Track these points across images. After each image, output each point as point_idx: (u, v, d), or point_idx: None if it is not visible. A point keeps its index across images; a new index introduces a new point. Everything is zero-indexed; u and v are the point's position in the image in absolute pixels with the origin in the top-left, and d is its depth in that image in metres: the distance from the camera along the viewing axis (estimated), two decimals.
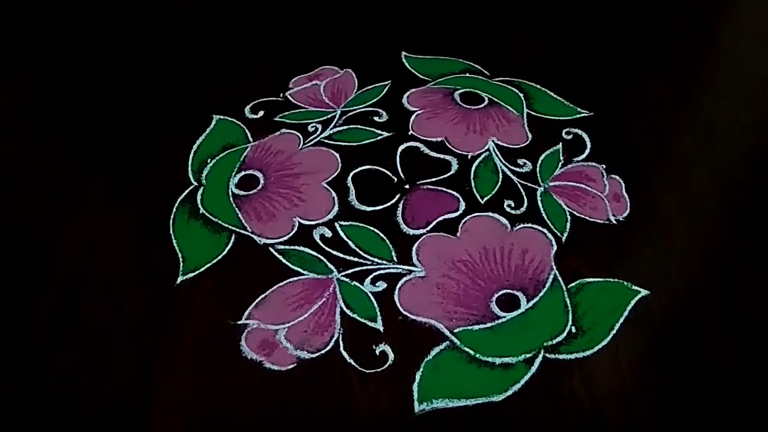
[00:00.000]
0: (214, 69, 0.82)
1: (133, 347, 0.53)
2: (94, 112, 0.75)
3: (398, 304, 0.56)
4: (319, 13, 0.85)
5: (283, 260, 0.60)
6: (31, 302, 0.56)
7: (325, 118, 0.74)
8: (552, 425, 0.50)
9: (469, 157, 0.70)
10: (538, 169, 0.69)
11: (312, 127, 0.73)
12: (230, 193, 0.66)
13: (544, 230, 0.63)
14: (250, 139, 0.71)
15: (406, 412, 0.50)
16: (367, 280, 0.58)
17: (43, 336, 0.54)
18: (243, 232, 0.62)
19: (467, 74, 0.80)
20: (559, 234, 0.62)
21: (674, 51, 0.87)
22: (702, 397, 0.51)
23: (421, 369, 0.52)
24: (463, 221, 0.63)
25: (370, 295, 0.57)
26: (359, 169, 0.68)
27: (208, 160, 0.69)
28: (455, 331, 0.55)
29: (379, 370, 0.52)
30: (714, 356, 0.54)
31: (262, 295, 0.57)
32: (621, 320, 0.56)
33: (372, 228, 0.62)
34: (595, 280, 0.59)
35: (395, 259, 0.60)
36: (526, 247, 0.61)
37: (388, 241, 0.61)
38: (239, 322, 0.55)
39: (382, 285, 0.58)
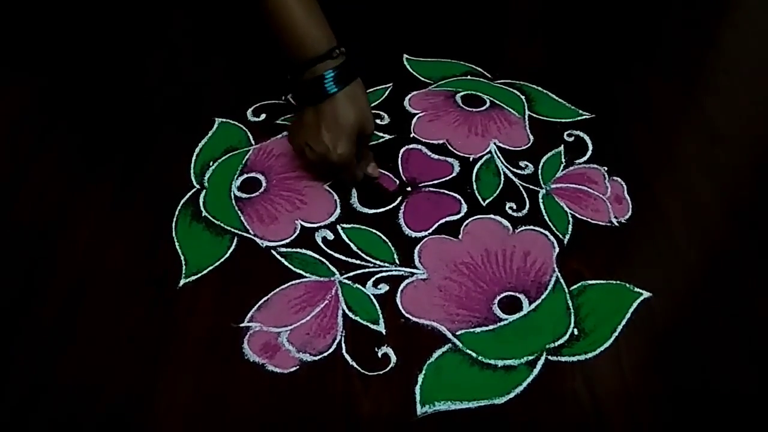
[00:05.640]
0: (215, 72, 0.82)
1: (135, 350, 0.53)
2: (95, 116, 0.75)
3: (400, 307, 0.56)
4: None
5: (285, 263, 0.60)
6: (32, 307, 0.56)
7: None
8: (554, 427, 0.50)
9: (471, 159, 0.70)
10: (539, 171, 0.69)
11: None
12: (232, 196, 0.66)
13: (546, 232, 0.63)
14: (252, 142, 0.72)
15: (408, 414, 0.50)
16: (369, 283, 0.58)
17: (44, 340, 0.54)
18: (245, 234, 0.62)
19: (469, 77, 0.81)
20: (561, 236, 0.62)
21: (675, 52, 0.87)
22: (704, 398, 0.51)
23: (423, 371, 0.52)
24: (464, 224, 0.63)
25: (372, 297, 0.57)
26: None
27: (210, 163, 0.69)
28: (457, 333, 0.55)
29: (381, 372, 0.52)
30: (716, 358, 0.54)
31: (264, 298, 0.57)
32: (623, 322, 0.56)
33: (374, 230, 0.63)
34: (597, 282, 0.59)
35: (397, 261, 0.60)
36: (528, 250, 0.61)
37: (390, 244, 0.61)
38: (241, 325, 0.55)
39: (384, 287, 0.58)
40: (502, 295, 0.57)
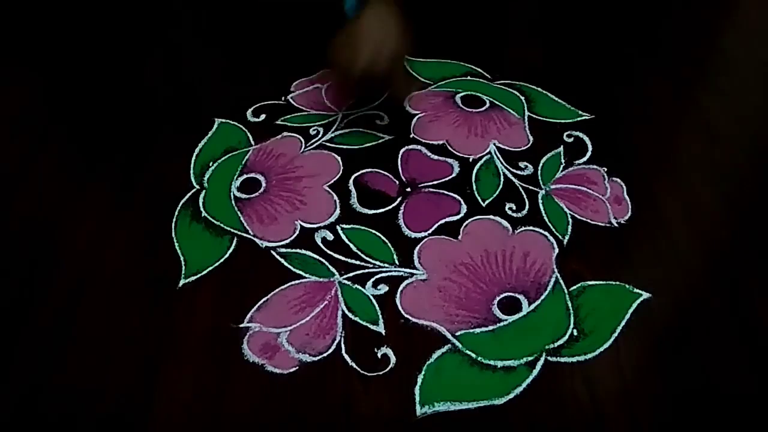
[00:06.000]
0: (215, 72, 0.82)
1: (135, 351, 0.53)
2: (95, 116, 0.75)
3: (400, 307, 0.56)
4: (321, 16, 0.86)
5: (285, 263, 0.60)
6: (32, 307, 0.56)
7: (326, 121, 0.74)
8: (554, 427, 0.50)
9: (471, 160, 0.70)
10: (539, 171, 0.69)
11: (313, 130, 0.73)
12: (232, 197, 0.66)
13: (546, 233, 0.63)
14: (252, 143, 0.72)
15: (408, 415, 0.50)
16: (369, 283, 0.58)
17: (43, 342, 0.54)
18: (245, 235, 0.62)
19: (468, 77, 0.81)
20: (560, 237, 0.62)
21: (675, 53, 0.87)
22: (703, 399, 0.51)
23: (423, 372, 0.52)
24: (464, 224, 0.63)
25: (371, 298, 0.57)
26: (361, 172, 0.68)
27: (210, 163, 0.69)
28: (457, 334, 0.55)
29: (380, 373, 0.52)
30: (716, 359, 0.54)
31: (264, 299, 0.57)
32: (623, 323, 0.56)
33: (374, 231, 0.63)
34: (597, 282, 0.59)
35: (397, 262, 0.60)
36: (528, 250, 0.61)
37: (389, 244, 0.61)
38: (241, 326, 0.55)
39: (383, 288, 0.58)
40: (502, 296, 0.57)
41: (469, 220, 0.64)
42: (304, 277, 0.58)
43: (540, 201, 0.66)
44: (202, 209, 0.64)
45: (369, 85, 0.64)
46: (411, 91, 0.68)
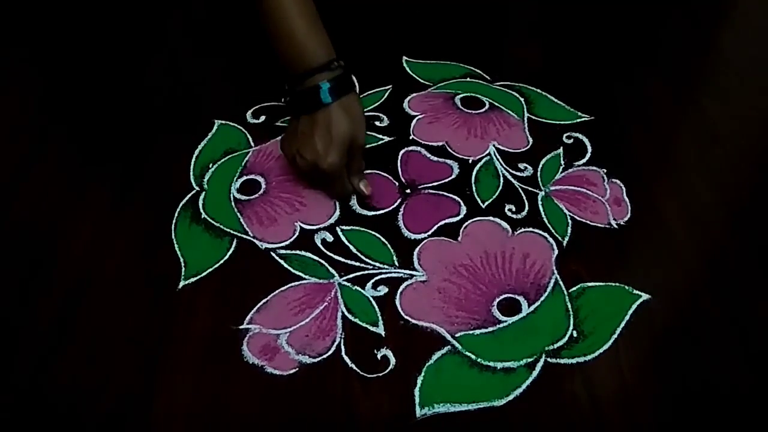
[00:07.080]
0: (215, 74, 0.82)
1: (134, 353, 0.53)
2: (95, 117, 0.75)
3: (399, 309, 0.56)
4: (321, 17, 0.85)
5: (285, 265, 0.60)
6: (32, 307, 0.56)
7: None
8: (554, 429, 0.50)
9: (470, 161, 0.70)
10: (539, 173, 0.69)
11: None
12: (232, 198, 0.66)
13: (545, 234, 0.63)
14: (252, 144, 0.72)
15: (408, 416, 0.50)
16: (369, 285, 0.58)
17: (43, 343, 0.54)
18: (244, 236, 0.62)
19: (468, 79, 0.81)
20: (560, 238, 0.62)
21: (675, 54, 0.87)
22: (703, 399, 0.51)
23: (423, 373, 0.52)
24: (464, 226, 0.63)
25: (371, 299, 0.57)
26: None
27: (210, 165, 0.69)
28: (456, 335, 0.55)
29: (380, 374, 0.52)
30: (715, 360, 0.54)
31: (264, 300, 0.57)
32: (622, 324, 0.56)
33: (373, 232, 0.63)
34: (596, 284, 0.59)
35: (396, 263, 0.60)
36: (527, 252, 0.61)
37: (389, 246, 0.61)
38: (241, 327, 0.55)
39: (383, 289, 0.58)
40: (501, 297, 0.57)
41: (469, 221, 0.64)
42: (304, 279, 0.59)
43: (539, 202, 0.66)
44: (201, 211, 0.64)
45: (325, 178, 0.62)
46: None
